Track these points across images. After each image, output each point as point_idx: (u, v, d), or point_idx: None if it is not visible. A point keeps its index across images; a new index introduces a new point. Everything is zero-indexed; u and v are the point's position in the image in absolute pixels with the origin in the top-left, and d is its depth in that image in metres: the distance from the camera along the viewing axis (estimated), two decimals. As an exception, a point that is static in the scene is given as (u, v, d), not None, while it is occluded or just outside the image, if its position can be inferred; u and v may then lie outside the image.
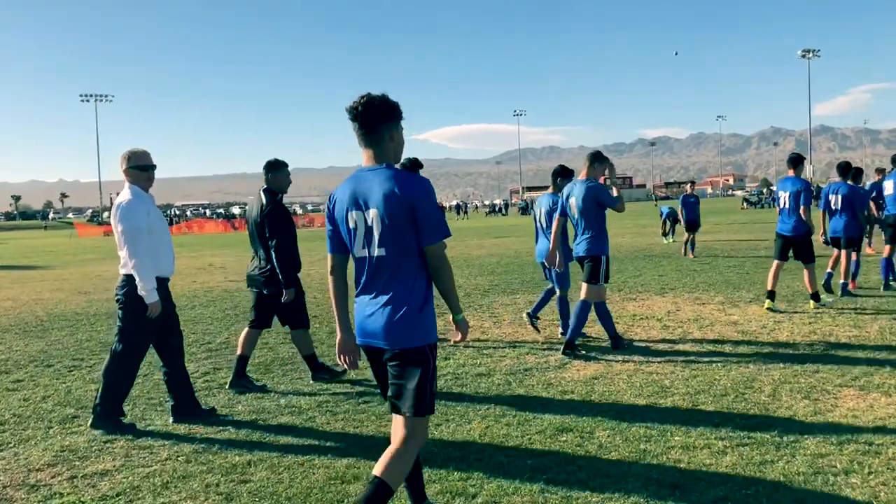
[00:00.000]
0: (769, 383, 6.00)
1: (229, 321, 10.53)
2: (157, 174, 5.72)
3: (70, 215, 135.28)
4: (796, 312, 9.27)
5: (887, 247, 11.25)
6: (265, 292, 6.53)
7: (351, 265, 3.53)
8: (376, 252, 3.30)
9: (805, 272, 9.73)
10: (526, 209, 78.00)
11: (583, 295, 7.44)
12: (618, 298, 11.50)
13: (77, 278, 18.92)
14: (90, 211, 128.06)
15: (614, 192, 7.54)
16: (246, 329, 6.73)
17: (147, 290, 5.28)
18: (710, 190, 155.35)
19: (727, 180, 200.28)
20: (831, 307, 9.61)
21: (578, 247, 7.57)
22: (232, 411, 5.91)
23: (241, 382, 6.58)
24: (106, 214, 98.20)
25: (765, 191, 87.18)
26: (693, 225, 18.20)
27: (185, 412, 5.68)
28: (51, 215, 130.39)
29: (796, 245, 9.66)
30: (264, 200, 6.45)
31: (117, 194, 5.59)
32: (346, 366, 3.60)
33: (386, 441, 4.87)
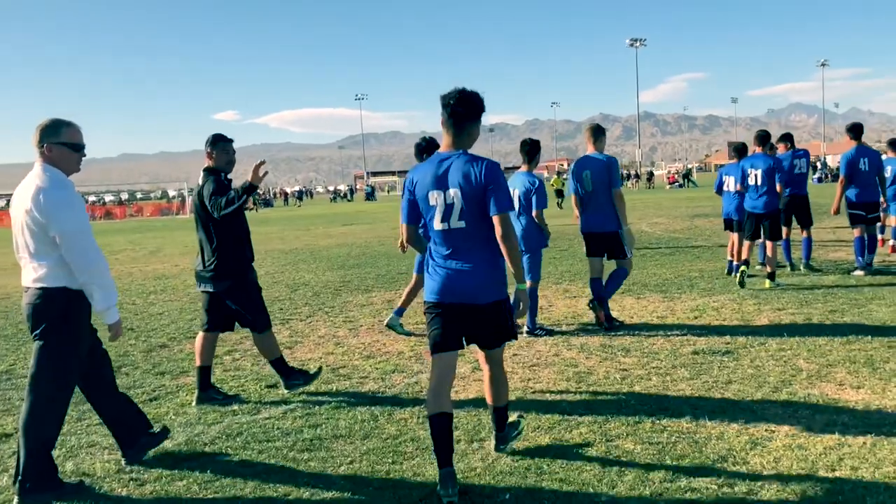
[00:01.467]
0: (684, 402, 5.09)
1: (21, 339, 8.49)
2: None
3: None
4: (674, 302, 8.61)
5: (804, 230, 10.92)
6: (213, 290, 5.60)
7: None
8: (456, 225, 3.81)
9: (769, 246, 9.60)
10: (372, 194, 76.49)
11: (623, 266, 7.59)
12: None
13: None
14: None
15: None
16: (200, 333, 5.78)
17: (110, 307, 4.05)
18: (546, 174, 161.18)
19: (561, 164, 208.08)
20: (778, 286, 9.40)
21: (594, 221, 7.50)
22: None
23: (209, 394, 5.71)
24: None
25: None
26: None
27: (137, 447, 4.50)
28: None
29: (767, 221, 9.57)
30: (202, 181, 5.59)
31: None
32: None
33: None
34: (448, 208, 3.79)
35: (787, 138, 11.22)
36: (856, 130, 10.31)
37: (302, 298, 10.69)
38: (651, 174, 72.52)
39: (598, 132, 7.63)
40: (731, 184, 10.51)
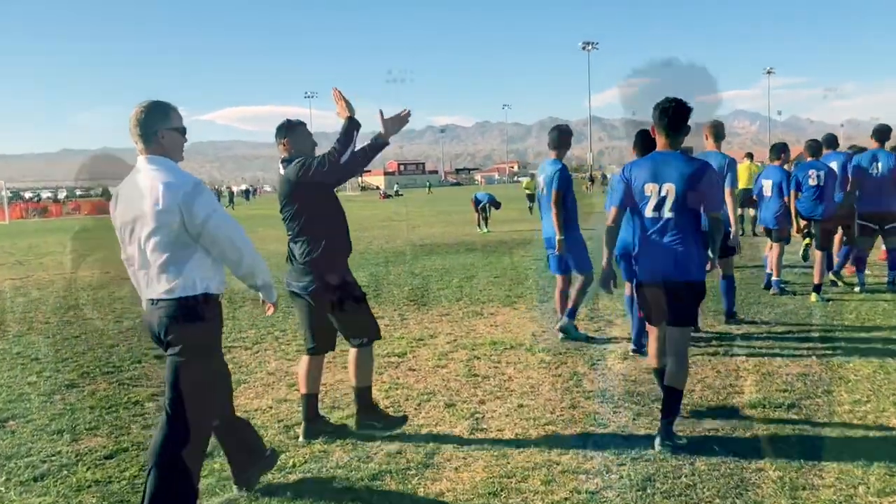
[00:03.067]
0: (781, 500, 3.73)
1: None
2: None
3: None
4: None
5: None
6: (311, 288, 4.75)
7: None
8: (666, 214, 4.39)
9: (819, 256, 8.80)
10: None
11: (722, 271, 7.45)
12: (458, 312, 9.05)
13: None
14: None
15: None
16: (305, 358, 4.93)
17: (271, 285, 3.98)
18: (497, 176, 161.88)
19: (512, 167, 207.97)
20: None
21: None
22: None
23: (318, 426, 4.87)
24: None
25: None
26: None
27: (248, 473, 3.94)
28: None
29: (819, 228, 8.87)
30: (290, 167, 4.72)
31: None
32: (604, 290, 4.70)
33: None
34: (661, 199, 4.37)
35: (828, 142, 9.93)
36: (880, 133, 9.21)
37: (247, 318, 9.08)
38: (605, 176, 72.09)
39: (719, 130, 7.46)
40: (768, 188, 9.39)
